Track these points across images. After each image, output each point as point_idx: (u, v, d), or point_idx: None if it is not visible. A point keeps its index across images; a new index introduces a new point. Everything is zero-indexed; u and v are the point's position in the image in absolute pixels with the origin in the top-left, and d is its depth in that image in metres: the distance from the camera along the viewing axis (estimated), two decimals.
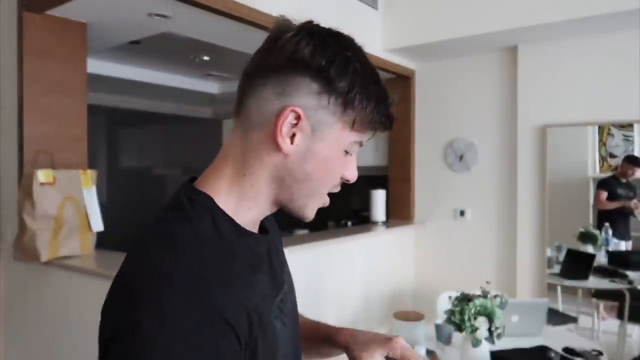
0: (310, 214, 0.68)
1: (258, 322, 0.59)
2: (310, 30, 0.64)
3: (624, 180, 3.17)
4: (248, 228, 0.66)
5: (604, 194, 3.21)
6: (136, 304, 0.52)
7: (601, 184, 3.24)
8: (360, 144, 0.67)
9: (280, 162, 0.64)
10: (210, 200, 0.63)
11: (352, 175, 0.69)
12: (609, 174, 3.22)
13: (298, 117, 0.62)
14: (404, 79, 3.83)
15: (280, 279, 0.72)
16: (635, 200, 3.13)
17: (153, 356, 0.49)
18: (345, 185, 0.70)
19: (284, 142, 0.62)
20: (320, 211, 0.74)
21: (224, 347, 0.53)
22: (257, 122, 0.64)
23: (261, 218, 0.70)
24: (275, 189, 0.66)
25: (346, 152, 0.66)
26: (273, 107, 0.62)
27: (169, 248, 0.57)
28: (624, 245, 3.21)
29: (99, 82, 3.96)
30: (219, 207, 0.63)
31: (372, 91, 0.64)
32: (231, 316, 0.54)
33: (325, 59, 0.61)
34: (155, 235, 0.60)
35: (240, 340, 0.55)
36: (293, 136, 0.62)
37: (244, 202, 0.65)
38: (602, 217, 3.23)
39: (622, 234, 3.19)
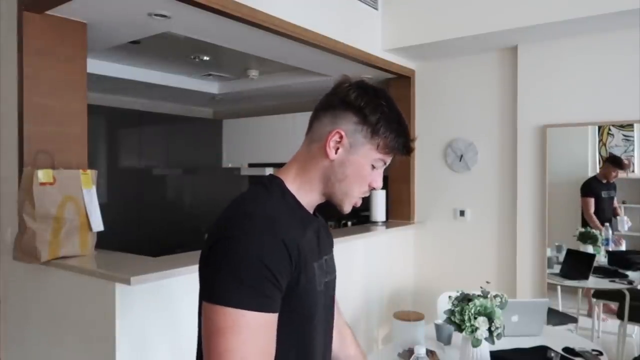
0: (347, 207, 1.00)
1: (304, 257, 0.88)
2: (359, 84, 0.96)
3: (604, 181, 3.17)
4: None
5: (592, 202, 3.20)
6: (231, 226, 0.86)
7: (586, 191, 3.22)
8: (385, 163, 0.98)
9: (328, 165, 0.96)
10: (281, 181, 0.97)
11: (378, 184, 1.00)
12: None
13: (341, 137, 0.94)
14: (404, 79, 3.83)
15: (322, 251, 1.01)
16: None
17: (238, 250, 0.82)
18: None
19: (331, 151, 0.94)
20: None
21: (279, 256, 0.83)
22: (317, 138, 0.97)
23: (315, 203, 1.01)
24: (323, 183, 0.97)
25: (373, 167, 0.97)
26: (327, 129, 0.95)
27: (253, 201, 0.92)
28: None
29: (99, 82, 3.96)
30: (286, 186, 0.97)
31: (394, 127, 0.95)
32: (288, 242, 0.85)
33: (364, 102, 0.93)
34: (245, 195, 0.94)
35: (291, 258, 0.85)
36: (337, 149, 0.94)
37: (302, 189, 0.98)
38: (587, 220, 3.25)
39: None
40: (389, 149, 0.95)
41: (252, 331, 0.79)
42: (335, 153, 0.94)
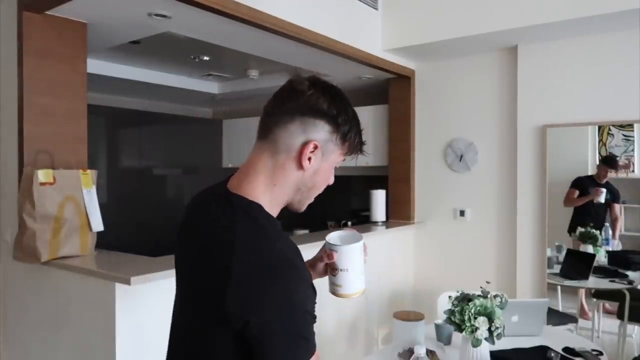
0: (304, 208, 0.99)
1: None
2: (322, 87, 0.93)
3: (600, 182, 3.18)
4: None
5: (575, 192, 3.23)
6: (279, 274, 0.83)
7: (575, 183, 3.25)
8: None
9: (300, 176, 0.93)
10: (259, 206, 0.90)
11: (332, 181, 1.00)
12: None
13: (316, 147, 0.91)
14: (404, 79, 3.83)
15: None
16: (597, 188, 3.16)
17: (294, 301, 0.83)
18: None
19: (305, 163, 0.91)
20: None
21: (314, 298, 0.88)
22: (285, 148, 0.91)
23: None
24: (293, 194, 0.95)
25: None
26: (298, 140, 0.91)
27: (269, 240, 0.86)
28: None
29: (99, 82, 3.96)
30: (265, 211, 0.90)
31: (357, 131, 0.97)
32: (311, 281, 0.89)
33: (336, 110, 0.92)
34: (255, 233, 0.86)
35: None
36: (310, 159, 0.91)
37: (274, 203, 0.93)
38: (578, 217, 3.27)
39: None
40: (352, 150, 0.97)
41: None
42: (309, 163, 0.92)
